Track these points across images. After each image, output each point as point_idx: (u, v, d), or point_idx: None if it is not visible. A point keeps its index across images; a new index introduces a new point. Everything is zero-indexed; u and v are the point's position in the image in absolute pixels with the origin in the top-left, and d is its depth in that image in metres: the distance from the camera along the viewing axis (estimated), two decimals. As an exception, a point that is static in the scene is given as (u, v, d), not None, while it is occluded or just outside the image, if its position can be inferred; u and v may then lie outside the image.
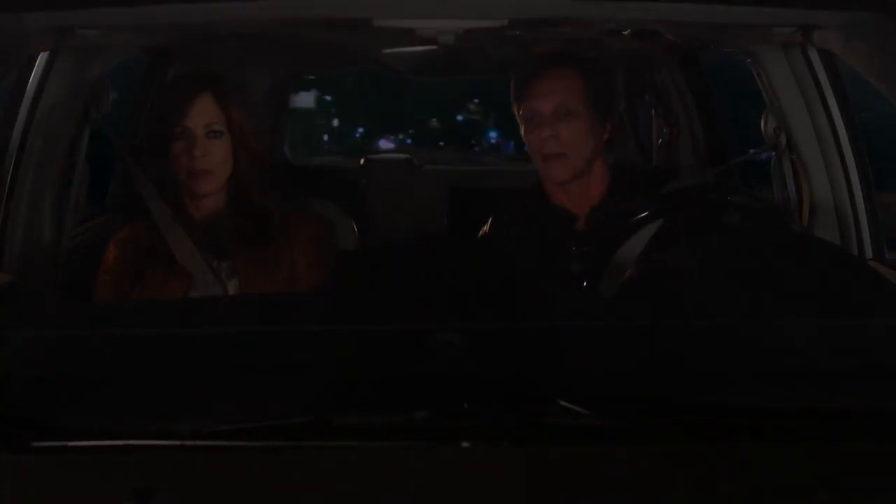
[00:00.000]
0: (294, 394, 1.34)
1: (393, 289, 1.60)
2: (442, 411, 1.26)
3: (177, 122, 2.11)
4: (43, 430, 1.25)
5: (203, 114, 2.11)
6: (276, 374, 1.38)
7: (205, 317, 1.72)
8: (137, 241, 2.18)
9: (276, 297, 2.08)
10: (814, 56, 2.48)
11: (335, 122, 13.77)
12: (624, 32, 2.44)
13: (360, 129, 13.86)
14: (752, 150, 2.70)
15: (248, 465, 1.20)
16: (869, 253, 2.51)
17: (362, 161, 4.49)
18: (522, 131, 2.29)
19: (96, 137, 2.51)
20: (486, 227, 2.44)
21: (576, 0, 1.94)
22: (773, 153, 2.61)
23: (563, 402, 1.24)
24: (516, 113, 2.31)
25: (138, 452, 1.22)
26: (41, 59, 2.26)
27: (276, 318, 1.61)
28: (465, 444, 1.21)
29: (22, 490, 1.19)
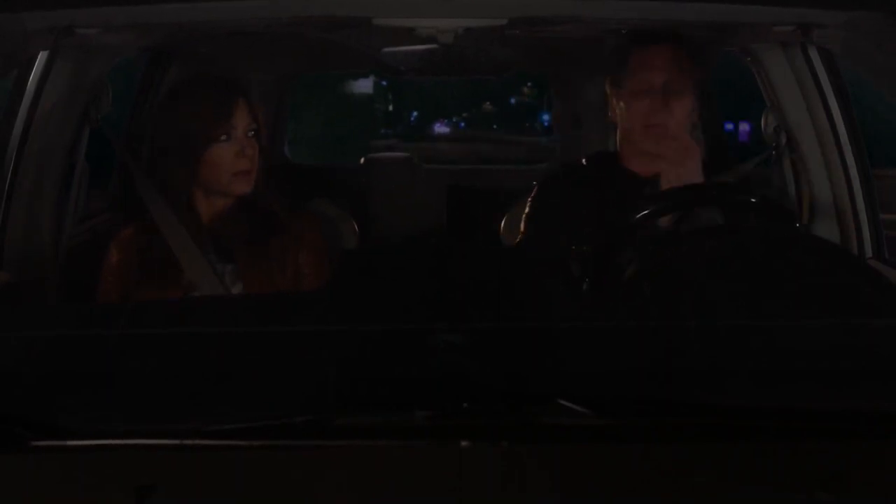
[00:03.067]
0: (294, 394, 1.34)
1: (393, 289, 1.60)
2: (441, 411, 1.26)
3: (220, 127, 2.13)
4: (43, 430, 1.25)
5: (244, 116, 2.16)
6: (276, 374, 1.38)
7: (205, 316, 1.72)
8: (139, 242, 2.18)
9: (275, 296, 2.08)
10: (813, 55, 2.48)
11: (390, 108, 13.77)
12: (624, 31, 2.44)
13: (415, 113, 13.85)
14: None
15: (248, 464, 1.20)
16: (869, 252, 2.51)
17: (362, 161, 4.49)
18: (622, 103, 2.29)
19: (96, 137, 2.51)
20: (538, 192, 2.42)
21: (575, -1, 1.94)
22: (773, 152, 2.62)
23: (563, 402, 1.24)
24: (612, 84, 2.31)
25: (138, 452, 1.22)
26: (41, 58, 2.26)
27: (276, 317, 1.61)
28: (464, 444, 1.21)
29: (22, 490, 1.19)
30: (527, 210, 2.42)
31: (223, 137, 2.14)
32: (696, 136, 2.38)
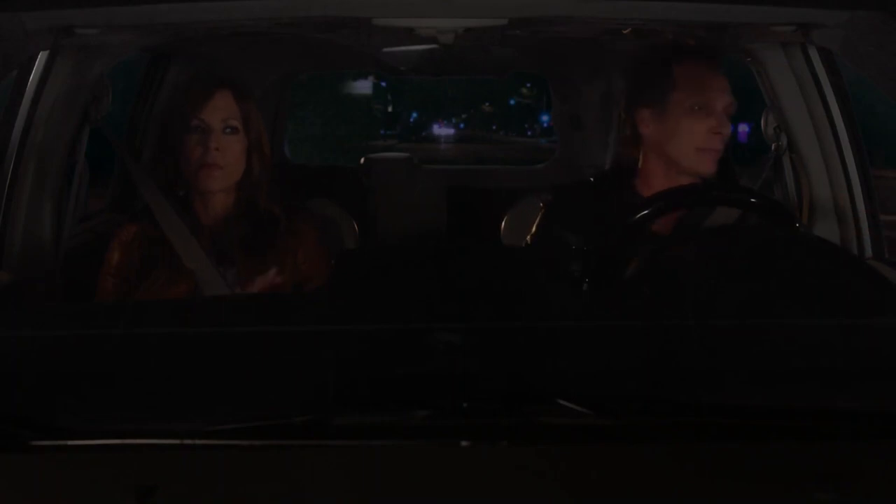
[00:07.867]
0: (294, 393, 1.34)
1: (393, 289, 1.60)
2: (441, 411, 1.26)
3: (194, 116, 2.12)
4: (43, 430, 1.25)
5: (221, 108, 2.13)
6: (276, 373, 1.38)
7: (205, 316, 1.72)
8: (141, 242, 2.18)
9: (275, 296, 2.08)
10: (814, 55, 2.48)
11: (389, 109, 13.82)
12: (624, 31, 2.44)
13: (415, 115, 13.89)
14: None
15: (248, 464, 1.20)
16: (869, 253, 2.51)
17: (362, 161, 4.50)
18: (667, 124, 2.20)
19: (96, 137, 2.51)
20: (545, 217, 2.35)
21: (575, -1, 1.94)
22: (773, 152, 2.61)
23: (562, 402, 1.24)
24: (651, 105, 2.22)
25: (138, 452, 1.22)
26: (41, 59, 2.25)
27: (276, 317, 1.61)
28: (464, 444, 1.21)
29: (22, 490, 1.19)
30: (532, 231, 2.35)
31: (195, 127, 2.12)
32: None
